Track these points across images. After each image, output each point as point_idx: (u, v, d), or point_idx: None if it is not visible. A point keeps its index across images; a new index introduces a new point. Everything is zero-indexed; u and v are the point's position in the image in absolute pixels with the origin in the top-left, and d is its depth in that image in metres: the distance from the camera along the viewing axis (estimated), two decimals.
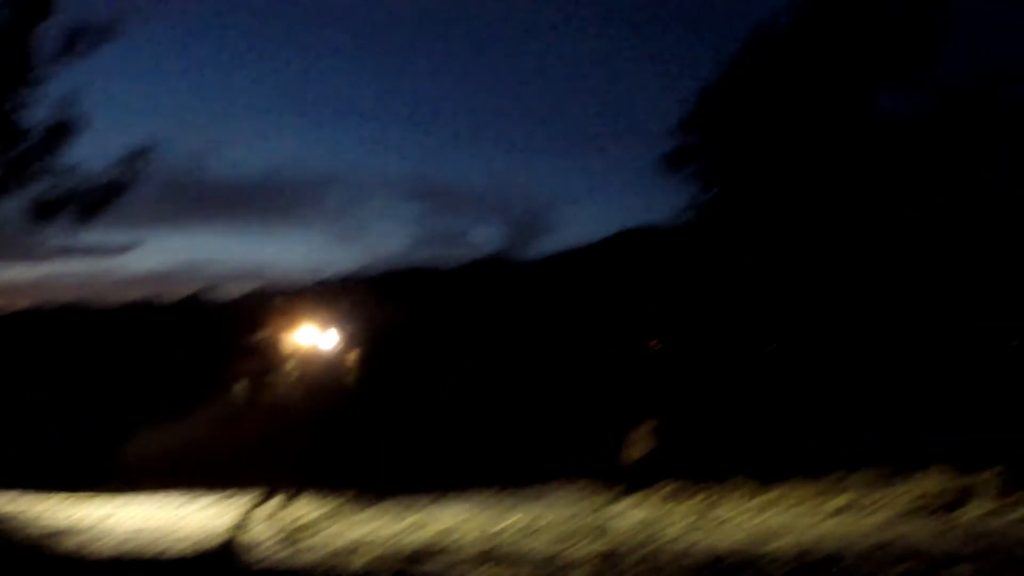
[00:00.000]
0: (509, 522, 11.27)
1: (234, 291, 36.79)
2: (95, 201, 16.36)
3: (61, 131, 15.22)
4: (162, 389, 20.34)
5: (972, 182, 15.69)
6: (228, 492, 14.91)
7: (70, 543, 10.92)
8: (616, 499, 12.41)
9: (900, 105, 17.49)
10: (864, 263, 15.41)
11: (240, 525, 12.03)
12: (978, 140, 16.39)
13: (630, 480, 12.82)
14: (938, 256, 15.12)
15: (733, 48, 18.55)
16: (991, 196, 15.34)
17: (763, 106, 17.62)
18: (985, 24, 17.67)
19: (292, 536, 11.22)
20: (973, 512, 9.84)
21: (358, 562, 9.48)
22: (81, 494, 15.45)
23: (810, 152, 16.91)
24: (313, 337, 19.85)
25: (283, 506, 13.63)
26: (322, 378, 19.63)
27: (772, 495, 11.26)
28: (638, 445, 13.74)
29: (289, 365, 19.94)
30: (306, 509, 13.35)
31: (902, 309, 14.83)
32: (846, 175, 16.30)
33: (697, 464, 12.51)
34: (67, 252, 33.79)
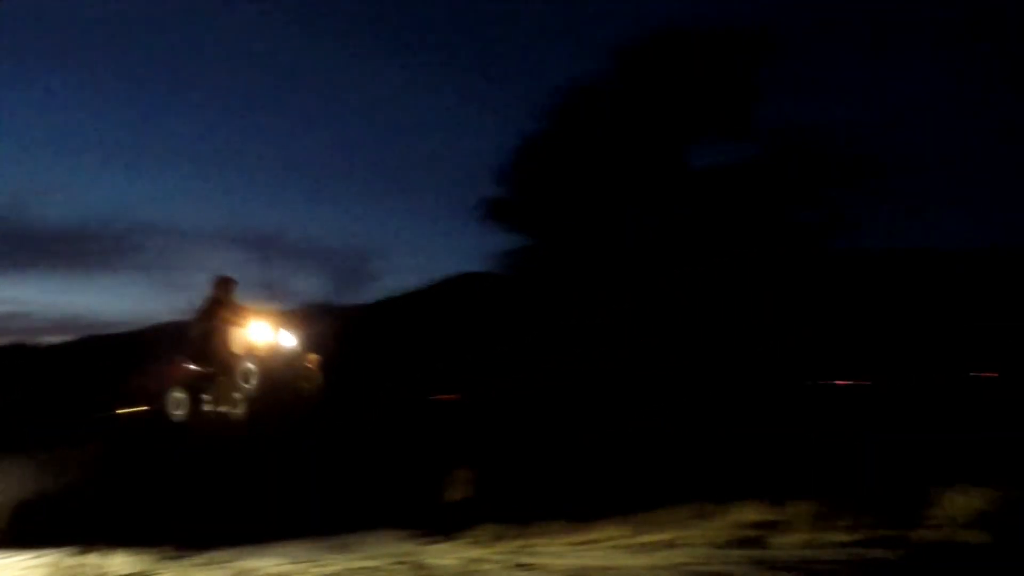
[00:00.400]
0: (328, 568, 10.80)
1: (57, 338, 35.52)
2: None
3: None
4: None
5: (789, 231, 16.37)
6: (44, 549, 14.08)
7: None
8: (434, 544, 12.03)
9: (719, 156, 18.15)
10: (679, 309, 15.76)
11: None
12: (795, 190, 17.11)
13: (448, 526, 12.46)
14: (753, 301, 15.56)
15: (553, 99, 18.90)
16: (807, 245, 16.01)
17: (581, 157, 17.95)
18: (802, 78, 18.43)
19: None
20: (788, 541, 9.90)
21: None
22: None
23: (629, 203, 17.32)
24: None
25: (98, 561, 12.91)
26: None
27: (591, 535, 11.01)
28: (456, 491, 13.34)
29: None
30: (121, 563, 12.65)
31: (712, 353, 15.08)
32: (665, 225, 16.75)
33: (515, 508, 12.23)
34: None
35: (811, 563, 8.88)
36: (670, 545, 10.19)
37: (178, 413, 15.65)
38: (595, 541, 10.80)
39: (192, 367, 15.50)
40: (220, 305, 15.43)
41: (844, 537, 9.71)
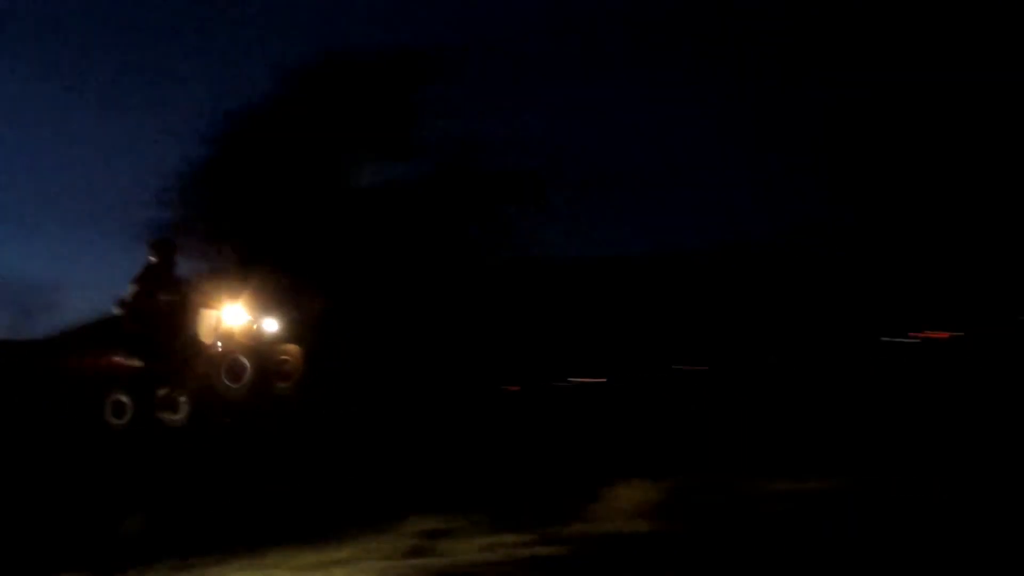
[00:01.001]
0: None
1: None
2: None
3: None
4: None
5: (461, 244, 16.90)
6: None
7: None
8: None
9: (391, 174, 18.55)
10: (355, 326, 15.90)
11: None
12: (467, 205, 17.71)
13: (123, 564, 11.77)
14: (426, 314, 15.89)
15: (220, 121, 18.79)
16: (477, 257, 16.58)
17: (250, 179, 17.90)
18: (459, 98, 19.01)
19: None
20: (462, 547, 10.00)
21: None
22: None
23: (301, 223, 17.38)
24: None
25: None
26: None
27: (268, 560, 10.67)
28: (132, 529, 12.55)
29: None
30: None
31: (388, 366, 15.21)
32: (337, 243, 16.92)
33: (194, 540, 11.71)
34: None
35: (482, 566, 9.06)
36: (346, 562, 10.06)
37: (118, 421, 12.53)
38: (272, 565, 10.49)
39: (129, 362, 12.33)
40: (163, 278, 12.02)
41: (516, 538, 9.88)
